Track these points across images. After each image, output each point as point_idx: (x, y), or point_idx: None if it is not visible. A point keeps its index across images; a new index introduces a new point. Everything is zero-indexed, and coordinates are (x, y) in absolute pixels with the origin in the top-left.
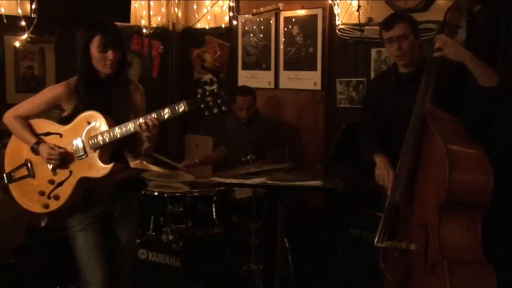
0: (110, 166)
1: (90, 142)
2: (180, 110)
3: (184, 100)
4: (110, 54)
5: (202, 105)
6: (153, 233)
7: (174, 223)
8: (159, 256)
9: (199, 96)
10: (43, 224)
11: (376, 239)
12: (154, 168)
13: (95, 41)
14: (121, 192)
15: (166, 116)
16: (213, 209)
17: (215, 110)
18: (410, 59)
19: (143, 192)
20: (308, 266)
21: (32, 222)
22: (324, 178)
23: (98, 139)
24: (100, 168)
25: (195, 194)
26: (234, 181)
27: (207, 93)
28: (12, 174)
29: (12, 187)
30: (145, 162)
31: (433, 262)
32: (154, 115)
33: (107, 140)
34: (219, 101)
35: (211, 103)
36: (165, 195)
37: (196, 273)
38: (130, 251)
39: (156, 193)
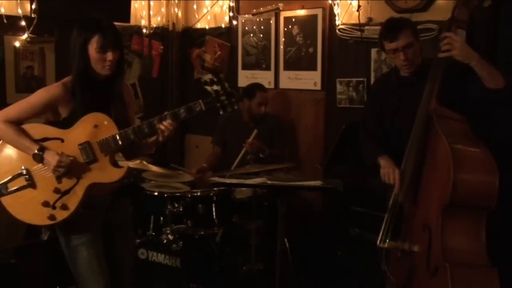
0: (124, 169)
1: (100, 145)
2: (197, 109)
3: (200, 99)
4: (109, 55)
5: (218, 104)
6: (153, 233)
7: (174, 223)
8: (159, 256)
9: (213, 95)
10: (45, 238)
11: (378, 240)
12: (154, 168)
13: (94, 42)
14: (119, 198)
15: (182, 116)
16: (213, 209)
17: (229, 109)
18: (415, 65)
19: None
20: (308, 266)
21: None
22: (324, 178)
23: (110, 141)
24: (113, 172)
25: (195, 194)
26: (234, 181)
27: (221, 92)
28: (5, 186)
29: (6, 200)
30: (145, 162)
31: (436, 264)
32: (170, 116)
33: (120, 142)
34: (233, 99)
35: (225, 101)
36: (165, 195)
37: (196, 273)
38: (130, 259)
39: (156, 193)
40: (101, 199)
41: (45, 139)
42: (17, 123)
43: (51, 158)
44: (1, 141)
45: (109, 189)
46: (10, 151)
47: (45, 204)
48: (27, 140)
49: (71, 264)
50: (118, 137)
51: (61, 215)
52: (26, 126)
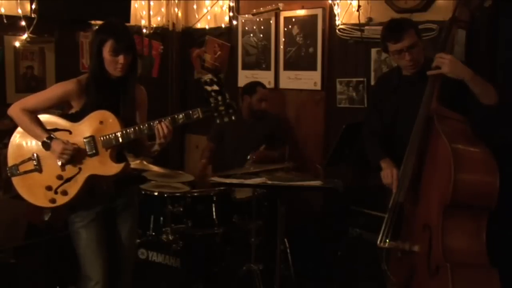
0: (122, 165)
1: (103, 141)
2: (195, 117)
3: (199, 107)
4: (121, 58)
5: (215, 114)
6: (153, 233)
7: (174, 223)
8: (159, 256)
9: (212, 105)
10: (46, 219)
11: (379, 240)
12: (154, 168)
13: (107, 45)
14: (123, 187)
15: (180, 121)
16: (213, 209)
17: (226, 119)
18: (419, 64)
19: (143, 192)
20: (308, 266)
21: (33, 222)
22: (324, 178)
23: (111, 138)
24: (112, 167)
25: (195, 194)
26: (234, 181)
27: (220, 102)
28: (17, 168)
29: (16, 180)
30: (145, 162)
31: (436, 264)
32: (168, 120)
33: (121, 140)
34: (230, 111)
35: (223, 112)
36: (165, 195)
37: (196, 273)
38: (132, 247)
39: (156, 193)
40: (104, 187)
41: (55, 130)
42: (33, 112)
43: (56, 146)
44: (18, 128)
45: (110, 180)
46: (24, 138)
47: (48, 188)
48: (39, 129)
49: (75, 246)
50: (119, 135)
51: (61, 199)
52: (41, 116)
